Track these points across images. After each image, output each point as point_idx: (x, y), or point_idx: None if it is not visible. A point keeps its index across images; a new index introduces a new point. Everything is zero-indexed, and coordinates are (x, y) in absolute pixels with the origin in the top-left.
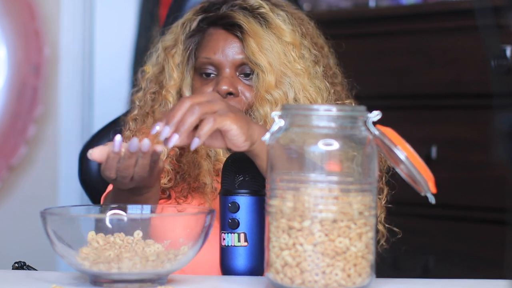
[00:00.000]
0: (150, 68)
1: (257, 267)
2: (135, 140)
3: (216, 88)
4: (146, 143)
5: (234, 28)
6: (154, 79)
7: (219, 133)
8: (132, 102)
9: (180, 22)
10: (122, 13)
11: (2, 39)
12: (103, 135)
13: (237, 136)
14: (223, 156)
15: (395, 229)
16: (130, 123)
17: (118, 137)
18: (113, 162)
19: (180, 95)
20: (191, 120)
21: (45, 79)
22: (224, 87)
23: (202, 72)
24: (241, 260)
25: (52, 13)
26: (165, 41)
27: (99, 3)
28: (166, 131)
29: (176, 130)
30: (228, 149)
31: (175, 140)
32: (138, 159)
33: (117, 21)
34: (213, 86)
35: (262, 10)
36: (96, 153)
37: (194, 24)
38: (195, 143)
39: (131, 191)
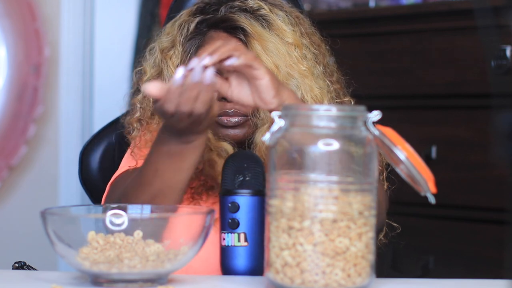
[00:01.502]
0: (148, 70)
1: (257, 267)
2: (198, 69)
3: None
4: (209, 74)
5: (236, 31)
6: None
7: (250, 86)
8: (132, 105)
9: (176, 23)
10: (122, 13)
11: (2, 39)
12: (104, 135)
13: (268, 89)
14: None
15: (394, 224)
16: (135, 124)
17: (180, 70)
18: (175, 95)
19: None
20: (225, 50)
21: (45, 79)
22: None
23: None
24: (241, 260)
25: (52, 13)
26: (162, 43)
27: (99, 3)
28: (206, 59)
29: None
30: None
31: (211, 75)
32: (200, 93)
33: (117, 21)
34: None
35: (263, 11)
36: (152, 88)
37: (192, 26)
38: (232, 61)
39: (180, 138)
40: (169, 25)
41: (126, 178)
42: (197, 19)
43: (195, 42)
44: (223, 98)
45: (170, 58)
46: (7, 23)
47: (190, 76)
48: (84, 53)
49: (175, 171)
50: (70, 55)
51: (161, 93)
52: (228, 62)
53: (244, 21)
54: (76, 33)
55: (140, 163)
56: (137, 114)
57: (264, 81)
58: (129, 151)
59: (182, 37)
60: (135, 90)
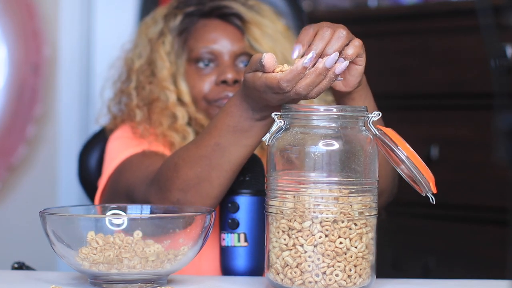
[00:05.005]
0: (136, 61)
1: (257, 267)
2: (333, 56)
3: (221, 77)
4: (343, 66)
5: (231, 18)
6: (144, 71)
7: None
8: (127, 94)
9: (160, 14)
10: (122, 13)
11: (1, 39)
12: (103, 135)
13: (360, 75)
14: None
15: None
16: (136, 111)
17: (312, 53)
18: (299, 77)
19: (175, 86)
20: (359, 49)
21: (44, 79)
22: (230, 75)
23: (199, 62)
24: (241, 260)
25: (51, 12)
26: (149, 34)
27: (98, 2)
28: (335, 57)
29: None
30: None
31: (345, 66)
32: (323, 81)
33: (116, 20)
34: (214, 75)
35: (251, 2)
36: (271, 59)
37: (181, 16)
38: (344, 66)
39: (254, 114)
40: (149, 18)
41: (144, 160)
42: (187, 9)
43: (186, 31)
44: (223, 82)
45: (161, 47)
46: (6, 23)
47: (324, 61)
48: (83, 53)
49: (239, 147)
50: (69, 55)
51: (274, 67)
52: (339, 71)
53: (239, 7)
54: (75, 32)
55: (151, 146)
56: (135, 101)
57: (361, 68)
58: (122, 137)
59: (170, 27)
60: (126, 79)
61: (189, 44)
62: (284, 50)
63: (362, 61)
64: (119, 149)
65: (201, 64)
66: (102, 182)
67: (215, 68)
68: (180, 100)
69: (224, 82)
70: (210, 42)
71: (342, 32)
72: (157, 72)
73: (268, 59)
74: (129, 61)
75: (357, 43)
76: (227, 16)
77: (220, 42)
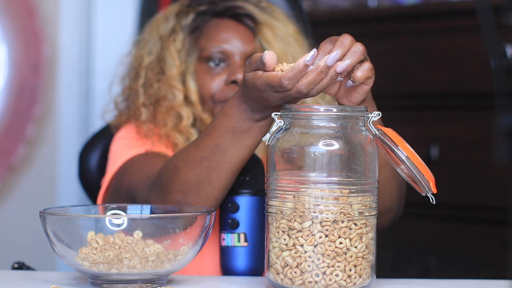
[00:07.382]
0: (145, 58)
1: (257, 267)
2: (335, 54)
3: (232, 77)
4: (345, 64)
5: (243, 19)
6: (153, 68)
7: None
8: (134, 90)
9: (172, 12)
10: (122, 12)
11: (1, 39)
12: (103, 135)
13: (365, 94)
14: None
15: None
16: (142, 109)
17: (313, 51)
18: (300, 74)
19: (184, 84)
20: (370, 71)
21: (44, 78)
22: (240, 76)
23: (210, 61)
24: (241, 260)
25: (51, 12)
26: (160, 31)
27: (98, 2)
28: (336, 55)
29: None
30: None
31: (346, 64)
32: (324, 79)
33: (116, 20)
34: (225, 75)
35: (263, 4)
36: (272, 58)
37: (193, 14)
38: (345, 64)
39: (254, 115)
40: (160, 15)
41: (146, 161)
42: (199, 8)
43: (198, 30)
44: (233, 82)
45: (171, 45)
46: (6, 23)
47: (325, 59)
48: (83, 53)
49: (238, 148)
50: (69, 54)
51: (272, 65)
52: (366, 85)
53: (252, 9)
54: (75, 32)
55: (154, 147)
56: (142, 99)
57: (369, 87)
58: (126, 137)
59: (182, 25)
60: (134, 75)
61: (200, 43)
62: (295, 53)
63: (370, 82)
64: (123, 150)
65: (211, 64)
66: (105, 182)
67: (226, 68)
68: (187, 100)
69: (234, 82)
70: (222, 42)
71: (358, 47)
72: (166, 70)
73: (269, 57)
74: (139, 57)
75: (366, 66)
76: (239, 17)
77: (232, 42)
